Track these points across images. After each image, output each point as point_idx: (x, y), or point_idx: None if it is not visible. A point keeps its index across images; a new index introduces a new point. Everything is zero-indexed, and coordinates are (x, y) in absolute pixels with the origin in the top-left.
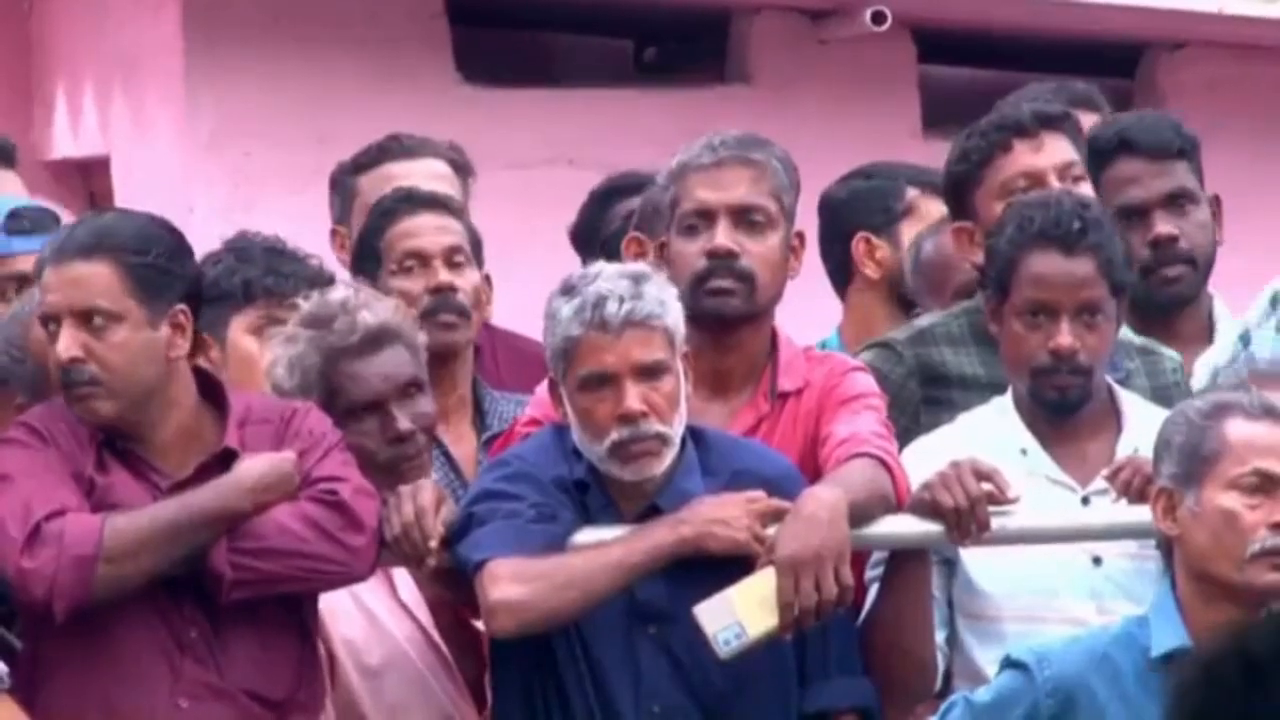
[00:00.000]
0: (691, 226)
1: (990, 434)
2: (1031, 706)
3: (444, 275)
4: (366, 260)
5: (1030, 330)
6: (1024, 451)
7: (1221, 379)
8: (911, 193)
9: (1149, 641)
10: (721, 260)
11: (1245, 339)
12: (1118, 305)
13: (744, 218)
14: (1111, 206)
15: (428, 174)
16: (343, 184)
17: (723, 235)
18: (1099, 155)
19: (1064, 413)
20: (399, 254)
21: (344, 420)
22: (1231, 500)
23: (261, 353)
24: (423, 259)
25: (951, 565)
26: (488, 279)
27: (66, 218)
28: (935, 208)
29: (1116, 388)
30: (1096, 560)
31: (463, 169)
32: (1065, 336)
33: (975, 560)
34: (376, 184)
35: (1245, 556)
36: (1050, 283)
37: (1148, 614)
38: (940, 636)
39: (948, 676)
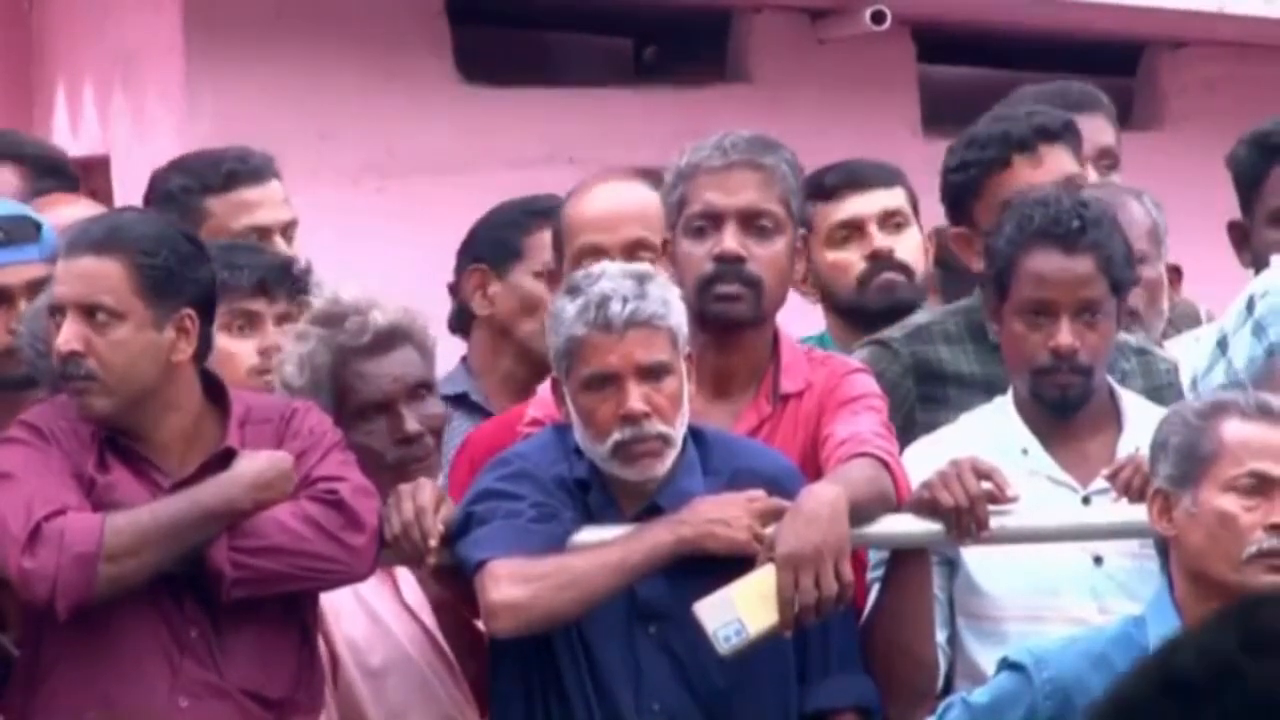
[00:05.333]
0: (699, 228)
1: (991, 433)
2: (1030, 708)
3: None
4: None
5: (1030, 330)
6: (1025, 451)
7: (1201, 386)
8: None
9: (1146, 641)
10: (729, 265)
11: (1223, 345)
12: (1118, 304)
13: (752, 222)
14: (1273, 206)
15: (277, 199)
16: (186, 203)
17: (730, 239)
18: (1275, 150)
19: (1065, 412)
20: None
21: (353, 420)
22: (1228, 502)
23: (253, 347)
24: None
25: (953, 565)
26: None
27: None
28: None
29: (1117, 387)
30: (1098, 560)
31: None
32: (1065, 336)
33: (976, 560)
34: (232, 209)
35: (1242, 558)
36: (1050, 281)
37: (1144, 614)
38: (941, 636)
39: (949, 676)
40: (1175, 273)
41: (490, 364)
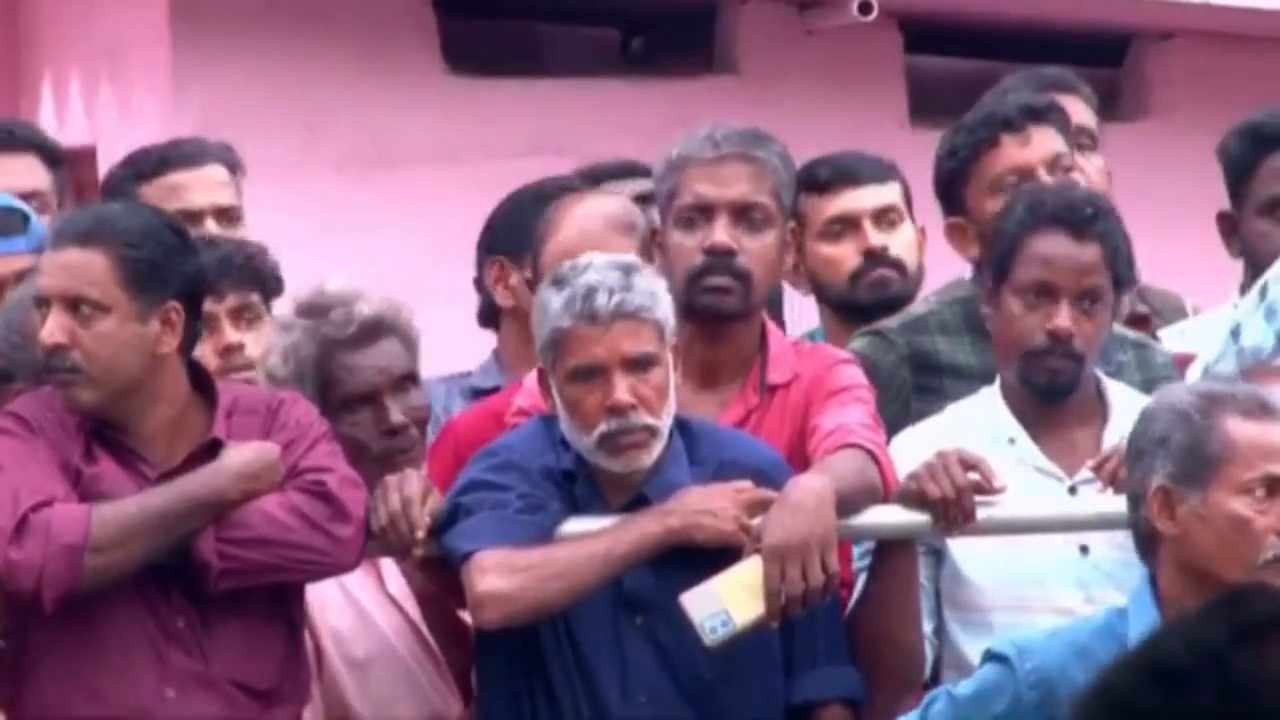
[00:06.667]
0: (689, 220)
1: (978, 423)
2: (1014, 699)
3: None
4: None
5: (1029, 310)
6: (1011, 440)
7: (1213, 375)
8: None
9: (1127, 633)
10: (719, 258)
11: (1236, 333)
12: (1116, 299)
13: (743, 215)
14: (1264, 197)
15: (211, 182)
16: (123, 192)
17: (721, 232)
18: (1266, 141)
19: (1053, 398)
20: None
21: (338, 411)
22: (1242, 506)
23: (210, 349)
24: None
25: (939, 555)
26: None
27: None
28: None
29: (1104, 379)
30: (1084, 549)
31: (235, 168)
32: (1064, 319)
33: (962, 550)
34: (161, 194)
35: (1258, 563)
36: (1056, 264)
37: (1127, 606)
38: (928, 626)
39: (936, 666)
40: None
41: (521, 355)
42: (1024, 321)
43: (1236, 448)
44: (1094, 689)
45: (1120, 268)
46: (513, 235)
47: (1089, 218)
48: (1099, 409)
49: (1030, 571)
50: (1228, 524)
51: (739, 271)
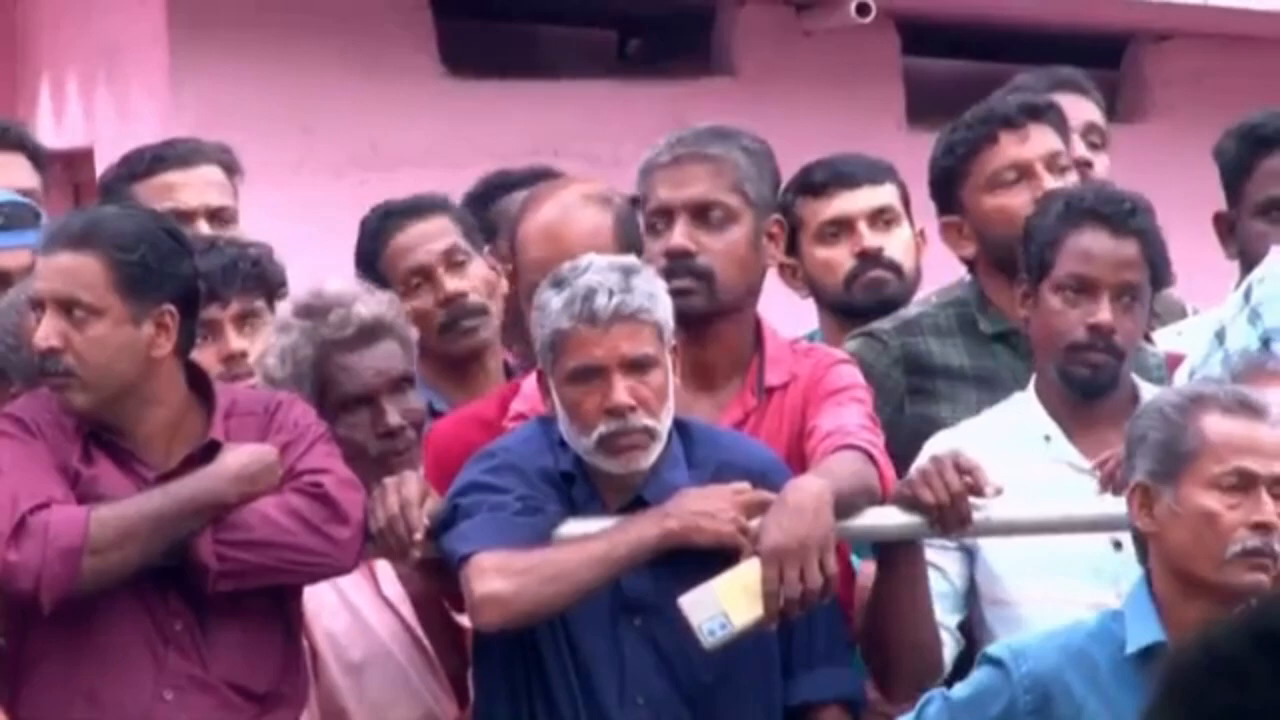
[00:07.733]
0: (653, 225)
1: (1013, 423)
2: (1009, 702)
3: (449, 284)
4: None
5: (1069, 306)
6: (1047, 438)
7: (1198, 378)
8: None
9: (1124, 636)
10: (678, 260)
11: (1221, 336)
12: (1151, 299)
13: (701, 215)
14: (1260, 198)
15: (204, 182)
16: (117, 192)
17: (678, 234)
18: (1262, 142)
19: (1091, 393)
20: (402, 274)
21: (335, 413)
22: (1212, 500)
23: (213, 355)
24: (425, 273)
25: (970, 553)
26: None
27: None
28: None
29: (1140, 382)
30: (1117, 545)
31: (232, 169)
32: (1105, 313)
33: (995, 546)
34: (153, 193)
35: (1225, 557)
36: (1096, 259)
37: (1124, 609)
38: (952, 621)
39: (971, 661)
40: None
41: (440, 381)
42: (1065, 317)
43: (1209, 442)
44: (1197, 653)
45: (1158, 266)
46: (373, 277)
47: (1128, 212)
48: (1132, 411)
49: (1062, 567)
50: (1197, 518)
51: (699, 271)
